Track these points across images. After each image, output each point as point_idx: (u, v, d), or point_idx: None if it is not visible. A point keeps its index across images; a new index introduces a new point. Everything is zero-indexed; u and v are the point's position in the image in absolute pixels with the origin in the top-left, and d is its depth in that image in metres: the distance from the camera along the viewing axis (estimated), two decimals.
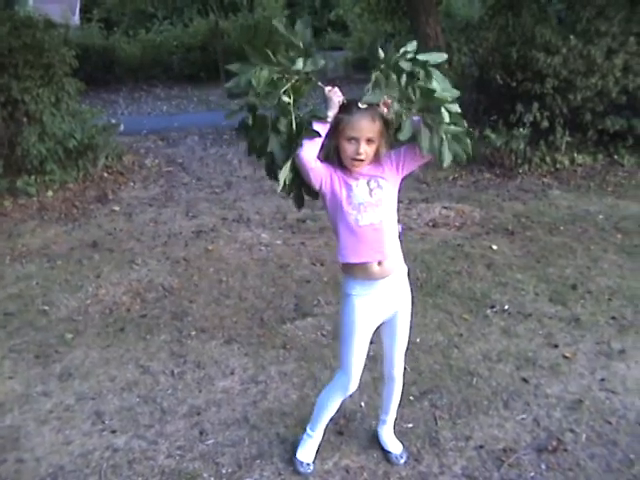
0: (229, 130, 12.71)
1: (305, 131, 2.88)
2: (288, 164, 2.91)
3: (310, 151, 2.88)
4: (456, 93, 2.93)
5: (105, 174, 9.58)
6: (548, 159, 9.41)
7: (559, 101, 9.22)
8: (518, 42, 9.68)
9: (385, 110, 2.88)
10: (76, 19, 24.10)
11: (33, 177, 8.66)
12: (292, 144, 2.91)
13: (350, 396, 3.45)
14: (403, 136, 2.88)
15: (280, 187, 2.97)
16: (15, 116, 8.81)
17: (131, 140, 11.63)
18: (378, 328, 3.30)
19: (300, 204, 3.15)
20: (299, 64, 2.91)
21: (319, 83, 2.99)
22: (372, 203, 2.98)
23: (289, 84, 2.88)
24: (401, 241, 3.19)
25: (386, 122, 2.91)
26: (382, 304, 3.16)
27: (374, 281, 3.10)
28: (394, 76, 2.87)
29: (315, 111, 2.93)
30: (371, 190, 2.98)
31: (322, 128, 2.89)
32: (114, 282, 6.00)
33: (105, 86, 18.77)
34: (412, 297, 3.31)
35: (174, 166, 10.26)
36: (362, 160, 2.92)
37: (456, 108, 2.94)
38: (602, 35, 9.35)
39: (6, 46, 8.63)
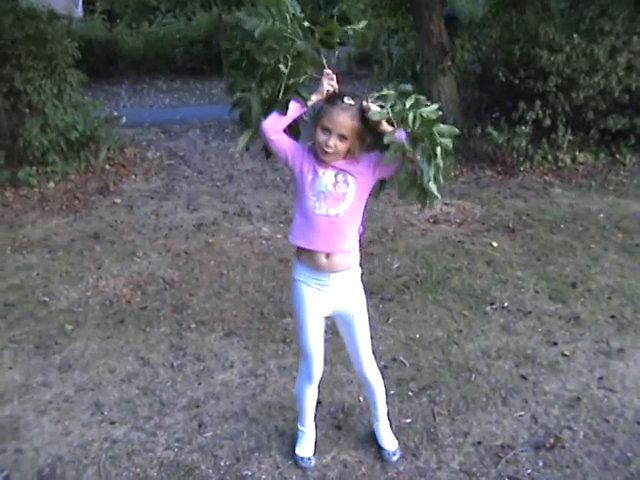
0: (231, 124, 12.71)
1: (277, 103, 2.93)
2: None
3: (273, 123, 2.97)
4: (455, 131, 2.99)
5: (107, 166, 9.58)
6: (550, 157, 9.40)
7: (562, 99, 9.21)
8: (521, 40, 9.67)
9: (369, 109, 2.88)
10: (79, 11, 24.02)
11: (35, 168, 8.66)
12: (270, 108, 2.99)
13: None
14: (387, 160, 2.87)
15: (238, 146, 3.15)
16: (17, 107, 8.81)
17: (133, 132, 11.62)
18: (338, 329, 3.36)
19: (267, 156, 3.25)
20: (311, 43, 2.98)
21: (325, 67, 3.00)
22: (334, 195, 3.00)
23: (292, 52, 2.91)
24: (361, 243, 3.20)
25: (366, 124, 2.91)
26: (328, 297, 3.18)
27: (320, 273, 3.12)
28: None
29: (300, 88, 2.96)
30: (337, 182, 3.00)
31: (297, 108, 2.97)
32: (115, 274, 6.00)
33: (108, 78, 18.74)
34: (367, 299, 3.33)
35: (176, 159, 10.25)
36: (329, 153, 2.92)
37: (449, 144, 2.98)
38: (606, 34, 9.33)
39: (9, 37, 8.62)
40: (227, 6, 21.80)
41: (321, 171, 3.00)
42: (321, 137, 2.91)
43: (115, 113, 10.80)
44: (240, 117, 3.10)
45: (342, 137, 2.89)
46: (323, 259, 3.08)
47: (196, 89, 17.93)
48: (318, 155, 2.98)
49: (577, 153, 9.50)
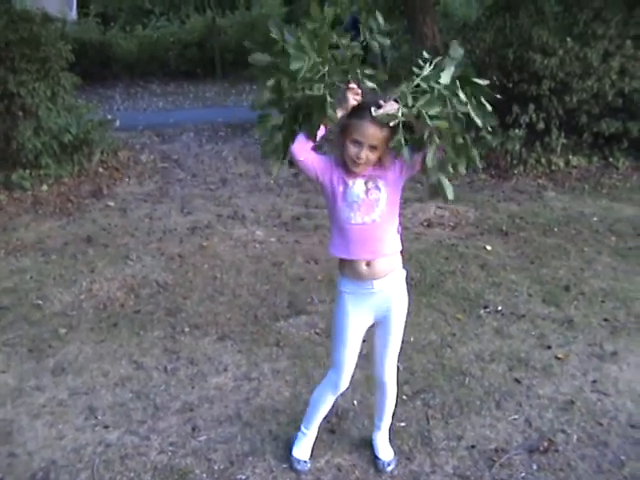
0: (225, 127, 12.71)
1: (308, 128, 2.89)
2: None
3: (302, 145, 2.93)
4: (493, 122, 2.94)
5: (100, 169, 9.56)
6: (543, 160, 9.42)
7: (555, 103, 9.23)
8: (515, 43, 9.69)
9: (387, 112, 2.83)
10: (73, 14, 23.98)
11: (28, 171, 8.64)
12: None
13: (342, 395, 3.45)
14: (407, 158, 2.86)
15: (273, 174, 3.02)
16: (11, 110, 8.78)
17: (127, 136, 11.61)
18: (371, 328, 3.31)
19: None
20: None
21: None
22: (367, 202, 3.00)
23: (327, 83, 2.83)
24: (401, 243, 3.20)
25: (394, 129, 2.86)
26: (373, 305, 3.17)
27: (363, 281, 3.11)
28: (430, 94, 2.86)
29: (329, 108, 2.86)
30: (368, 190, 3.00)
31: (323, 128, 2.92)
32: (108, 277, 5.99)
33: (101, 81, 18.73)
34: (408, 300, 3.31)
35: (169, 162, 10.25)
36: (360, 164, 2.92)
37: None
38: (599, 38, 9.36)
39: (3, 39, 8.61)
40: (221, 9, 21.84)
41: (351, 181, 3.00)
42: (352, 150, 2.90)
43: (109, 116, 10.81)
44: (267, 147, 3.03)
45: (373, 148, 2.89)
46: (364, 267, 3.08)
47: (190, 92, 17.93)
48: (349, 166, 2.98)
49: (570, 157, 9.52)
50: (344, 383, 3.34)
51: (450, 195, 2.94)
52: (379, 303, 3.18)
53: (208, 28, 20.60)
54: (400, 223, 3.19)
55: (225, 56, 20.23)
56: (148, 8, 23.45)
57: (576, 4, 10.08)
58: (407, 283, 3.31)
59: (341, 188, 3.01)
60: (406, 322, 3.34)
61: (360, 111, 2.91)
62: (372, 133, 2.86)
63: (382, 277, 3.12)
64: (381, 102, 2.86)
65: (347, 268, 3.14)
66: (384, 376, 3.40)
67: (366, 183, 3.00)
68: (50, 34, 9.39)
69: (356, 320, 3.18)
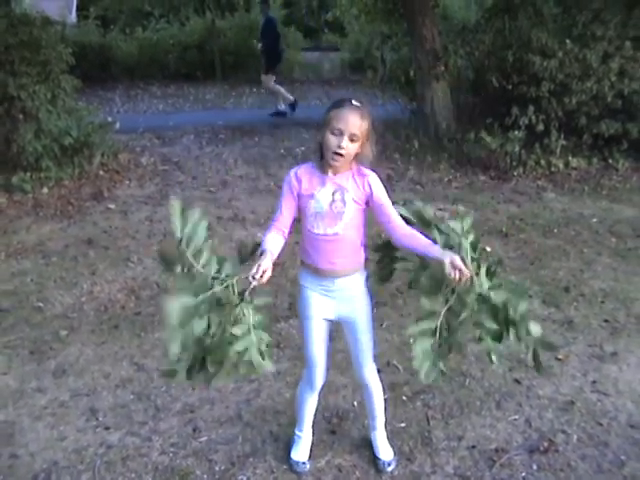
0: (225, 129, 12.72)
1: None
2: None
3: (275, 238, 3.07)
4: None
5: (101, 172, 9.57)
6: (543, 162, 9.44)
7: (554, 104, 9.26)
8: (514, 45, 9.73)
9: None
10: (73, 17, 24.03)
11: (28, 174, 8.65)
12: None
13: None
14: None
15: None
16: (11, 113, 8.79)
17: (127, 138, 11.62)
18: (341, 332, 3.38)
19: None
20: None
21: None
22: (330, 214, 3.03)
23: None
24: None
25: (372, 124, 2.96)
26: (333, 302, 3.20)
27: (325, 279, 3.16)
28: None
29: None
30: (333, 201, 3.02)
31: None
32: (109, 279, 6.00)
33: (101, 84, 18.73)
34: (372, 303, 3.35)
35: (169, 165, 10.25)
36: (342, 155, 2.93)
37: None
38: (598, 39, 9.39)
39: (3, 43, 8.63)
40: (220, 11, 21.85)
41: (317, 190, 3.03)
42: (333, 141, 2.92)
43: (109, 119, 10.81)
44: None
45: (353, 137, 2.90)
46: (325, 269, 3.13)
47: (190, 95, 17.94)
48: (328, 162, 2.99)
49: (570, 158, 9.54)
50: (318, 379, 3.39)
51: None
52: (340, 302, 3.20)
53: (208, 30, 20.62)
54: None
55: (225, 58, 20.26)
56: (148, 10, 23.44)
57: (575, 6, 10.11)
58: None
59: (306, 198, 3.06)
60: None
61: (339, 103, 2.96)
62: (353, 121, 2.89)
63: (343, 276, 3.16)
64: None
65: (308, 267, 3.20)
66: (364, 377, 3.43)
67: (333, 194, 3.02)
68: (50, 37, 9.41)
69: (317, 313, 3.22)
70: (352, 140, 2.91)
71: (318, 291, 3.18)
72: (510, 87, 9.47)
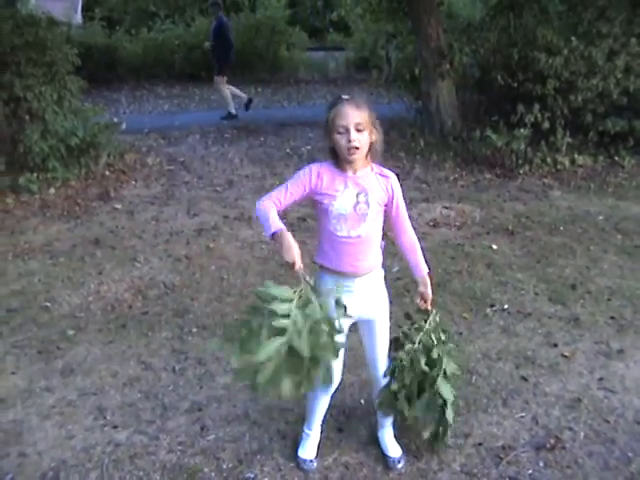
0: (230, 129, 12.74)
1: None
2: None
3: (268, 206, 3.12)
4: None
5: (107, 172, 9.59)
6: (549, 160, 9.43)
7: (560, 102, 9.25)
8: (519, 43, 9.71)
9: None
10: (78, 17, 24.02)
11: (35, 174, 8.66)
12: None
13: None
14: None
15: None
16: (17, 114, 8.83)
17: (133, 138, 11.64)
18: (358, 331, 3.35)
19: None
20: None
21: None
22: (354, 217, 3.03)
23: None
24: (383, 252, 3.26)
25: (371, 111, 3.00)
26: (354, 301, 3.17)
27: (345, 278, 3.14)
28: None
29: None
30: (357, 203, 3.02)
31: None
32: (116, 279, 6.02)
33: (107, 84, 18.75)
34: (390, 301, 3.37)
35: (175, 164, 10.27)
36: (357, 148, 2.93)
37: None
38: (603, 36, 9.38)
39: (9, 44, 8.65)
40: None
41: (339, 191, 3.02)
42: (342, 139, 2.93)
43: (115, 119, 10.82)
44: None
45: (358, 127, 2.91)
46: (347, 271, 3.13)
47: (195, 95, 17.96)
48: (345, 162, 3.01)
49: (576, 155, 9.53)
50: (334, 380, 3.36)
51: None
52: (359, 301, 3.19)
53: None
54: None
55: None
56: (153, 11, 23.46)
57: (580, 3, 10.11)
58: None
59: (328, 199, 3.03)
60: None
61: (333, 103, 2.99)
62: (351, 113, 2.91)
63: (363, 275, 3.16)
64: None
65: (328, 271, 3.18)
66: (377, 373, 3.45)
67: (357, 195, 3.03)
68: (56, 38, 9.42)
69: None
70: (358, 130, 2.92)
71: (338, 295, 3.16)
72: (515, 85, 9.46)
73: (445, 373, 3.34)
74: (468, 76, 11.14)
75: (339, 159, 3.03)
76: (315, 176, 3.04)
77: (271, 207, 3.06)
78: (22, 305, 5.54)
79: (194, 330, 5.07)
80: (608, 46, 9.30)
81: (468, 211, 7.72)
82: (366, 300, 3.22)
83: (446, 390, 3.34)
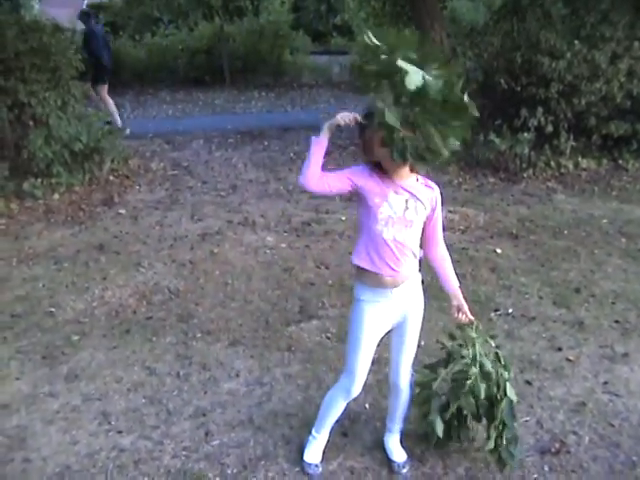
0: (234, 134, 12.75)
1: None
2: None
3: (313, 179, 3.06)
4: None
5: (111, 177, 9.61)
6: (552, 163, 9.43)
7: (563, 105, 9.24)
8: (523, 47, 9.71)
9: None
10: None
11: (39, 180, 8.67)
12: None
13: (354, 399, 3.46)
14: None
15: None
16: (22, 119, 8.84)
17: (137, 144, 11.66)
18: (387, 333, 3.33)
19: None
20: None
21: None
22: (402, 221, 3.03)
23: None
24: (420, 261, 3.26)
25: None
26: (392, 311, 3.19)
27: (385, 289, 3.13)
28: None
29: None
30: (407, 209, 3.03)
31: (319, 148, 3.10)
32: (120, 284, 6.03)
33: (111, 90, 18.76)
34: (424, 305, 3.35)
35: (179, 169, 10.28)
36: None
37: None
38: (606, 40, 9.37)
39: (13, 50, 8.66)
40: (229, 16, 21.86)
41: (391, 194, 3.02)
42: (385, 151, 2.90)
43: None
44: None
45: None
46: (387, 278, 3.11)
47: (199, 100, 17.97)
48: (392, 174, 3.01)
49: (580, 159, 9.53)
50: (356, 389, 3.35)
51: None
52: (397, 309, 3.20)
53: (216, 35, 20.64)
54: None
55: (233, 63, 20.27)
56: (157, 16, 23.50)
57: (583, 7, 10.10)
58: (424, 289, 3.33)
59: (378, 200, 3.01)
60: (424, 326, 3.38)
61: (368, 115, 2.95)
62: None
63: (400, 284, 3.15)
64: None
65: (368, 277, 3.14)
66: (399, 381, 3.44)
67: (407, 201, 3.03)
68: (60, 44, 9.44)
69: (373, 329, 3.19)
70: None
71: (377, 304, 3.16)
72: (519, 88, 9.45)
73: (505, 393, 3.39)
74: (471, 80, 11.12)
75: (385, 164, 3.00)
76: (369, 173, 3.03)
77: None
78: (26, 310, 5.55)
79: (198, 335, 5.07)
80: (611, 49, 9.29)
81: (472, 215, 7.72)
82: (403, 306, 3.23)
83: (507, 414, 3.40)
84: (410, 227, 3.07)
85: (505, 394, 3.35)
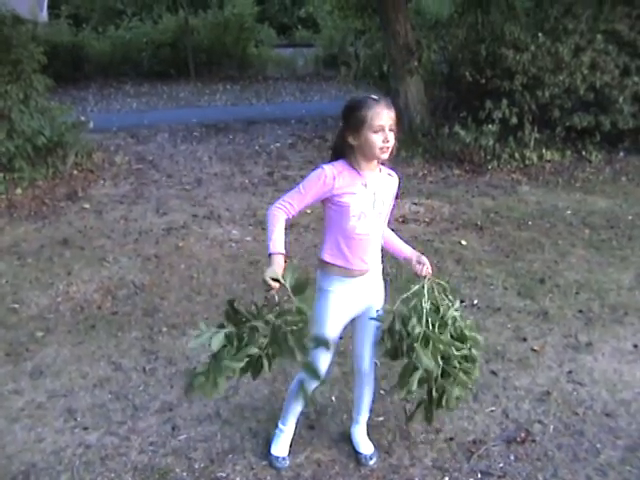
0: (199, 127, 12.69)
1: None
2: None
3: (281, 215, 3.02)
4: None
5: (75, 171, 9.52)
6: (517, 155, 9.51)
7: (528, 98, 9.32)
8: (487, 39, 9.78)
9: None
10: (44, 15, 23.67)
11: (2, 175, 8.57)
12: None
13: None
14: None
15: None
16: None
17: (101, 137, 11.57)
18: (351, 323, 3.33)
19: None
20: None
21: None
22: (372, 214, 3.07)
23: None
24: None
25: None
26: (356, 299, 3.20)
27: (351, 278, 3.15)
28: None
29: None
30: (375, 202, 3.06)
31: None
32: (85, 279, 5.97)
33: (74, 83, 18.61)
34: (385, 294, 3.35)
35: (144, 163, 10.21)
36: (388, 149, 2.96)
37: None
38: (570, 33, 9.46)
39: None
40: (194, 9, 21.75)
41: (359, 188, 3.02)
42: (377, 138, 2.93)
43: (82, 118, 10.73)
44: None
45: (392, 127, 2.96)
46: (357, 270, 3.14)
47: (164, 93, 17.87)
48: (372, 159, 3.03)
49: (544, 151, 9.62)
50: (320, 375, 3.35)
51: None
52: (361, 298, 3.22)
53: (181, 28, 20.54)
54: None
55: (198, 56, 20.19)
56: (120, 9, 23.33)
57: (547, 0, 10.17)
58: (383, 279, 3.34)
59: (347, 197, 3.01)
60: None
61: (365, 103, 2.96)
62: (389, 114, 2.94)
63: (366, 274, 3.19)
64: None
65: (337, 270, 3.15)
66: (363, 365, 3.44)
67: (374, 194, 3.06)
68: (21, 36, 9.35)
69: (338, 318, 3.19)
70: (391, 130, 2.96)
71: (343, 293, 3.16)
72: (484, 81, 9.51)
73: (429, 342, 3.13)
74: (436, 73, 11.20)
75: (355, 158, 3.03)
76: (331, 178, 3.00)
77: (280, 217, 3.01)
78: None
79: (164, 329, 5.04)
80: (574, 42, 9.38)
81: (437, 207, 7.76)
82: (367, 296, 3.25)
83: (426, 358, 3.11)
84: (380, 218, 3.12)
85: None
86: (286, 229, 3.00)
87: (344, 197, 3.00)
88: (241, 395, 4.17)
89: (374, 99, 2.95)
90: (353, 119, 2.96)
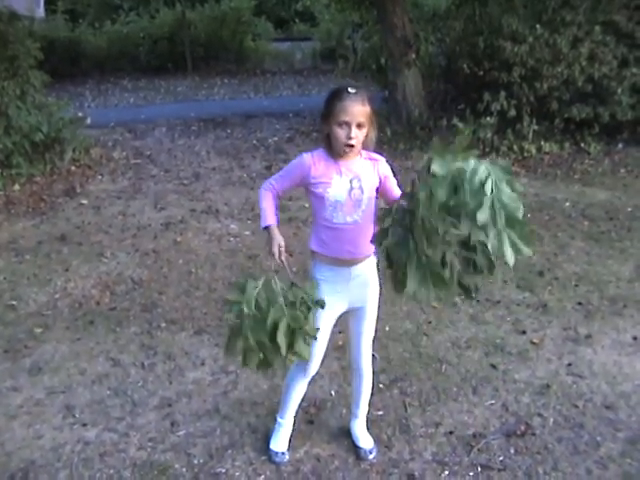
0: (197, 121, 12.67)
1: None
2: None
3: (268, 197, 3.20)
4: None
5: (72, 167, 9.50)
6: (515, 147, 9.49)
7: (526, 90, 9.30)
8: (485, 31, 9.76)
9: None
10: (41, 11, 23.68)
11: None
12: None
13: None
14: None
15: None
16: None
17: (98, 133, 11.54)
18: (346, 316, 3.32)
19: None
20: None
21: None
22: (350, 203, 3.04)
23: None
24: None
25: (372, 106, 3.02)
26: (349, 290, 3.18)
27: (342, 267, 3.13)
28: None
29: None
30: (352, 189, 3.03)
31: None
32: (83, 275, 5.96)
33: (71, 78, 18.56)
34: (380, 287, 3.33)
35: (142, 158, 10.20)
36: (353, 145, 2.95)
37: None
38: (568, 24, 9.43)
39: None
40: (190, 3, 21.71)
41: (335, 179, 3.03)
42: (341, 133, 2.94)
43: (79, 114, 10.73)
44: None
45: (360, 125, 2.94)
46: (346, 258, 3.13)
47: (161, 87, 17.84)
48: (339, 153, 3.02)
49: (542, 143, 9.60)
50: (313, 369, 3.35)
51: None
52: (354, 289, 3.20)
53: (178, 22, 20.50)
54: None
55: (196, 50, 20.16)
56: (117, 3, 23.32)
57: None
58: (382, 272, 3.32)
59: (323, 187, 3.03)
60: (381, 312, 3.36)
61: (338, 94, 2.95)
62: (357, 110, 2.92)
63: (360, 263, 3.16)
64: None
65: (326, 259, 3.16)
66: (361, 362, 3.43)
67: (351, 181, 3.03)
68: (18, 32, 9.33)
69: (331, 308, 3.18)
70: (359, 127, 2.94)
71: (335, 284, 3.16)
72: (481, 73, 9.49)
73: None
74: (434, 65, 11.17)
75: (330, 146, 3.04)
76: (307, 166, 3.04)
77: (269, 195, 3.17)
78: None
79: (163, 325, 5.03)
80: (572, 34, 9.36)
81: None
82: (360, 288, 3.23)
83: None
84: (359, 206, 3.06)
85: None
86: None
87: (319, 187, 3.03)
88: (240, 390, 4.16)
89: (349, 92, 2.93)
90: (325, 108, 2.99)
